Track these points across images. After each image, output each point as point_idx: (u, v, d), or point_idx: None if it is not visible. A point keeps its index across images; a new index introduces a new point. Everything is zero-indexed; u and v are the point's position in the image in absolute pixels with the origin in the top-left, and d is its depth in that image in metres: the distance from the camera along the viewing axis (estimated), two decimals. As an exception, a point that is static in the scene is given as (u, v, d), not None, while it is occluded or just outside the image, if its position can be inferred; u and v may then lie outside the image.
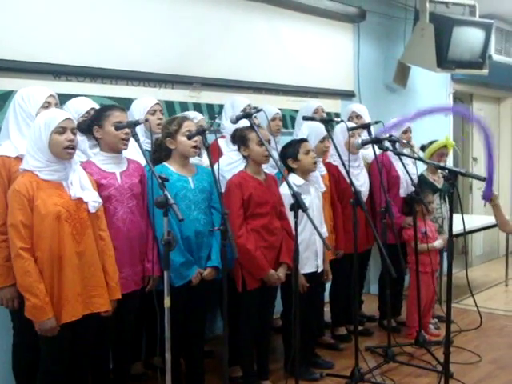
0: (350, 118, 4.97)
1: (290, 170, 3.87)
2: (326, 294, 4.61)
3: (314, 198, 3.88)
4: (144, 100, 3.91)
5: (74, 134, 2.85)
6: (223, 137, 4.23)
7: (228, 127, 4.11)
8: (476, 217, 6.99)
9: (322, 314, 4.57)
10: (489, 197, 3.90)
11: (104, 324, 3.02)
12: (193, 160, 3.60)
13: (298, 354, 3.32)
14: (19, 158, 2.95)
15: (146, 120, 3.39)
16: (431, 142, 5.11)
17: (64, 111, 2.94)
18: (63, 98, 3.50)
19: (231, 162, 3.80)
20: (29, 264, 2.70)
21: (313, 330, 4.16)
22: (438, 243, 4.74)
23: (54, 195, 2.78)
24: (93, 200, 2.89)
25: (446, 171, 3.10)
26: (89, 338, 2.99)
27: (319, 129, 4.13)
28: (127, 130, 3.11)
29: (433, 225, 4.86)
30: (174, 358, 2.92)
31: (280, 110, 4.61)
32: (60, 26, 3.83)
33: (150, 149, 3.47)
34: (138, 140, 2.96)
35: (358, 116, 5.01)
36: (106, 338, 3.20)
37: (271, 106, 4.53)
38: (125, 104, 3.81)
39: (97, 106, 3.51)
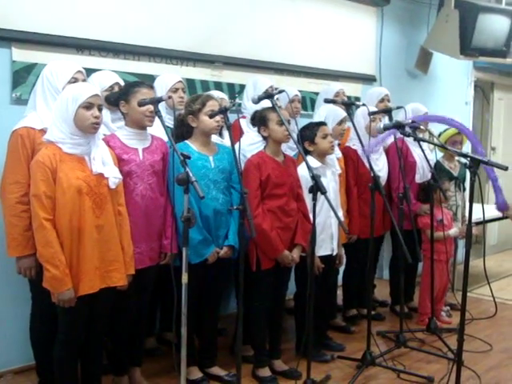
0: (382, 100, 4.90)
1: (307, 152, 3.87)
2: (339, 277, 4.62)
3: (331, 180, 3.88)
4: (166, 77, 3.90)
5: (100, 111, 2.86)
6: (244, 117, 4.23)
7: (249, 107, 4.11)
8: (491, 206, 6.93)
9: (335, 297, 4.59)
10: (504, 207, 3.87)
11: (122, 298, 3.05)
12: (215, 139, 3.61)
13: (311, 336, 3.35)
14: (44, 131, 2.97)
15: (170, 97, 3.38)
16: (446, 130, 5.07)
17: (92, 87, 2.94)
18: (87, 73, 3.50)
19: (253, 143, 3.79)
20: (51, 234, 2.72)
21: (325, 313, 4.18)
22: (453, 231, 4.73)
23: (77, 169, 2.80)
24: (113, 176, 2.91)
25: (468, 159, 3.07)
26: (105, 311, 3.03)
27: (337, 111, 4.13)
28: (151, 106, 3.12)
29: (448, 213, 4.84)
30: (188, 333, 2.94)
31: (300, 92, 4.61)
32: (85, 1, 3.83)
33: (171, 126, 3.48)
34: (160, 116, 2.96)
35: (389, 99, 4.96)
36: (124, 311, 3.23)
37: (291, 87, 4.51)
38: (147, 80, 3.80)
39: (121, 81, 3.52)
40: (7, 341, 3.59)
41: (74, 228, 2.77)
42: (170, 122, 3.51)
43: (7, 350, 3.60)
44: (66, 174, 2.76)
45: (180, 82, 3.87)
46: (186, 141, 3.42)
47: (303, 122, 4.26)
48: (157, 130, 3.36)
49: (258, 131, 3.65)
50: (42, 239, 2.74)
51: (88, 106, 2.80)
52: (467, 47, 5.85)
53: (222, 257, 3.43)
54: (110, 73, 3.58)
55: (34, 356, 3.28)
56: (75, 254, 2.79)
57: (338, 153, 4.21)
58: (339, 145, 4.31)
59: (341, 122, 4.13)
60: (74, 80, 3.13)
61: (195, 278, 3.18)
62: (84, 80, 3.21)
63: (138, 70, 4.11)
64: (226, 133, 3.87)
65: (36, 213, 2.73)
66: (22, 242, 3.00)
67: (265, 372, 3.68)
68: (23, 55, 3.59)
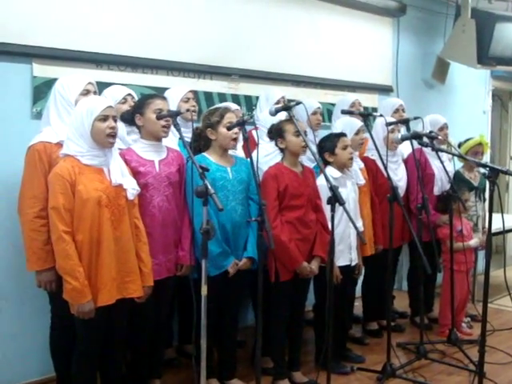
0: (396, 111, 4.89)
1: (327, 163, 3.87)
2: (357, 288, 4.59)
3: (351, 191, 3.88)
4: (176, 89, 3.91)
5: (115, 122, 2.89)
6: (256, 128, 4.23)
7: (263, 119, 4.11)
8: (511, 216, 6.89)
9: (353, 308, 4.57)
10: None
11: (140, 309, 3.07)
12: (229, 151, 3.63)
13: (330, 347, 3.34)
14: (60, 144, 3.00)
15: (188, 110, 3.42)
16: (467, 140, 5.07)
17: (105, 99, 2.98)
18: (104, 87, 3.56)
19: (267, 154, 3.80)
20: (70, 247, 2.74)
21: (345, 324, 4.16)
22: (474, 242, 4.69)
23: (96, 180, 2.83)
24: (132, 187, 2.93)
25: (487, 169, 3.06)
26: (122, 322, 3.04)
27: (353, 122, 4.14)
28: (168, 118, 3.15)
29: (468, 223, 4.81)
30: (207, 346, 2.95)
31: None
32: (103, 16, 3.89)
33: (188, 139, 3.50)
34: (179, 130, 2.99)
35: (404, 110, 4.95)
36: (143, 323, 3.25)
37: (312, 99, 4.52)
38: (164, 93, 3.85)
39: (133, 93, 3.56)
40: (28, 353, 3.61)
41: (94, 240, 2.80)
42: (185, 135, 3.53)
43: (28, 362, 3.62)
44: (86, 185, 2.78)
45: (190, 91, 3.88)
46: (203, 153, 3.44)
47: (321, 133, 4.27)
48: (170, 142, 3.38)
49: (276, 144, 3.66)
50: (61, 252, 2.75)
51: (103, 118, 2.83)
52: (484, 56, 5.82)
53: (241, 268, 3.43)
54: (120, 86, 3.62)
55: (55, 368, 3.29)
56: (93, 265, 2.81)
57: (360, 163, 4.21)
58: (358, 155, 4.30)
59: (358, 132, 4.13)
60: (86, 92, 3.16)
61: (214, 290, 3.18)
62: (95, 91, 3.24)
63: (156, 83, 4.14)
64: (238, 144, 3.89)
65: (55, 225, 2.75)
66: (41, 255, 3.02)
67: (284, 384, 3.67)
68: (43, 70, 3.64)
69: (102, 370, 3.06)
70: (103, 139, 2.84)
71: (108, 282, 2.83)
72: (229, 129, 3.33)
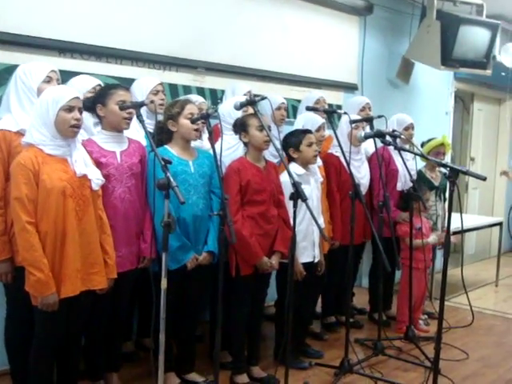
0: (363, 109, 4.93)
1: (291, 159, 3.88)
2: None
3: (314, 188, 3.90)
4: (146, 80, 3.88)
5: (81, 113, 2.85)
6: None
7: (226, 112, 4.03)
8: (470, 216, 7.03)
9: (315, 305, 4.60)
10: None
11: (99, 301, 3.03)
12: (194, 143, 3.60)
13: (289, 343, 3.35)
14: (20, 133, 2.95)
15: (152, 101, 3.38)
16: (429, 140, 5.14)
17: (73, 89, 2.92)
18: (67, 75, 3.50)
19: (229, 147, 3.78)
20: (34, 238, 2.69)
21: (305, 320, 4.18)
22: (432, 239, 4.77)
23: (59, 170, 2.78)
24: (96, 178, 2.90)
25: (448, 169, 3.10)
26: (83, 315, 3.01)
27: (314, 118, 4.17)
28: (130, 109, 3.11)
29: (427, 221, 4.88)
30: (166, 339, 2.93)
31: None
32: (68, 3, 3.82)
33: (152, 130, 3.47)
34: (142, 121, 2.96)
35: (370, 108, 5.00)
36: (100, 315, 3.21)
37: (277, 95, 4.52)
38: (129, 84, 3.79)
39: (102, 84, 3.51)
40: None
41: (58, 230, 2.75)
42: (150, 127, 3.49)
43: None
44: (49, 175, 2.73)
45: (160, 84, 3.85)
46: (165, 146, 3.41)
47: (286, 129, 4.28)
48: (137, 134, 3.35)
49: (240, 137, 3.65)
50: (25, 243, 2.70)
51: (69, 108, 2.78)
52: (448, 58, 5.90)
53: (202, 263, 3.41)
54: (89, 77, 3.57)
55: (9, 360, 3.23)
56: (58, 256, 2.77)
57: (318, 161, 4.23)
58: (319, 152, 4.31)
59: (319, 129, 4.15)
60: (49, 79, 3.11)
61: (174, 284, 3.15)
62: (58, 79, 3.19)
63: (120, 73, 4.09)
64: (204, 135, 3.86)
65: (18, 216, 2.69)
66: None
67: (243, 379, 3.68)
68: (4, 56, 3.56)
69: (59, 363, 3.01)
70: (66, 130, 2.79)
71: (72, 274, 2.79)
72: (193, 122, 3.31)
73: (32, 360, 2.89)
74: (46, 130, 2.78)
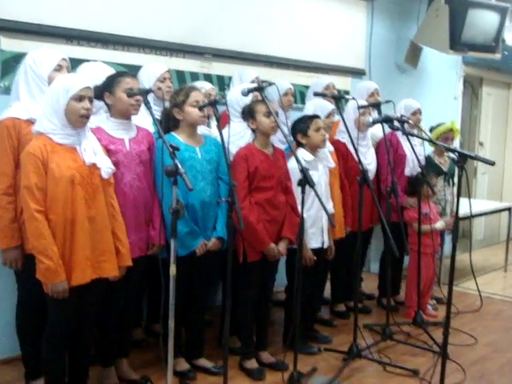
0: (372, 95, 4.91)
1: (300, 144, 3.88)
2: (327, 270, 4.63)
3: (322, 174, 3.89)
4: (154, 66, 3.88)
5: (91, 103, 2.85)
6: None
7: (233, 98, 4.01)
8: (479, 201, 7.01)
9: (323, 290, 4.62)
10: None
11: (112, 289, 3.06)
12: (203, 130, 3.60)
13: (298, 328, 3.37)
14: (30, 121, 2.96)
15: (159, 88, 3.37)
16: (438, 125, 5.12)
17: (84, 79, 2.91)
18: (74, 63, 3.49)
19: (235, 134, 3.76)
20: (43, 226, 2.70)
21: (314, 305, 4.20)
22: (440, 224, 4.76)
23: (68, 159, 2.78)
24: (106, 166, 2.90)
25: (456, 154, 3.10)
26: (95, 302, 3.03)
27: (324, 104, 4.15)
28: (138, 96, 3.11)
29: (435, 207, 4.87)
30: (175, 325, 2.94)
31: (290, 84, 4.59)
32: (74, -11, 3.81)
33: (159, 117, 3.47)
34: (150, 108, 2.96)
35: (379, 93, 4.97)
36: (113, 302, 3.24)
37: (284, 80, 4.51)
38: (136, 71, 3.79)
39: (113, 72, 3.50)
40: (-7, 331, 3.58)
41: (67, 218, 2.76)
42: (157, 114, 3.49)
43: (-7, 340, 3.59)
44: (58, 164, 2.74)
45: (167, 71, 3.84)
46: (172, 132, 3.41)
47: (293, 114, 4.27)
48: (145, 121, 3.35)
49: (247, 124, 3.64)
50: (34, 231, 2.71)
51: (79, 97, 2.78)
52: (457, 42, 5.86)
53: (211, 249, 3.43)
54: (101, 64, 3.54)
55: (20, 347, 3.26)
56: (68, 244, 2.78)
57: (329, 146, 4.22)
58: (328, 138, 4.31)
59: (329, 115, 4.15)
60: (59, 67, 3.11)
61: (183, 270, 3.18)
62: (68, 67, 3.19)
63: (127, 60, 4.09)
64: (213, 123, 3.85)
65: (27, 204, 2.71)
66: (7, 233, 2.99)
67: (252, 364, 3.70)
68: (12, 44, 3.57)
69: (71, 349, 3.03)
70: (76, 119, 2.79)
71: (82, 261, 2.80)
72: (200, 108, 3.31)
73: (44, 346, 2.92)
74: (57, 118, 2.78)
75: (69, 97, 2.76)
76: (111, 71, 3.45)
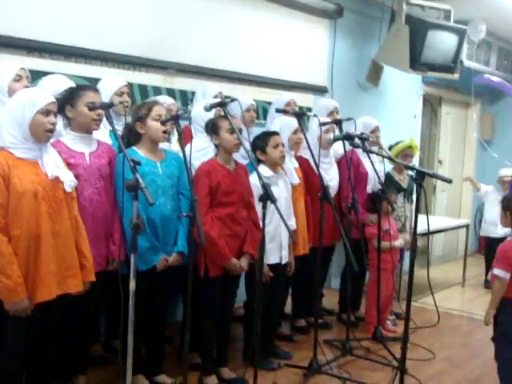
0: (331, 113, 4.95)
1: (259, 161, 3.90)
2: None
3: (283, 190, 3.92)
4: (111, 80, 3.81)
5: (55, 118, 2.82)
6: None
7: (197, 113, 3.99)
8: (438, 218, 7.13)
9: (284, 306, 4.62)
10: None
11: (71, 304, 3.00)
12: (162, 145, 3.59)
13: (258, 344, 3.36)
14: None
15: (121, 102, 3.36)
16: (397, 143, 5.21)
17: (49, 94, 2.88)
18: (36, 75, 3.47)
19: (199, 150, 3.76)
20: (2, 244, 2.65)
21: (273, 321, 4.20)
22: (399, 243, 4.83)
23: (31, 173, 2.74)
24: (69, 179, 2.88)
25: (414, 171, 3.16)
26: (57, 318, 2.98)
27: (291, 121, 4.19)
28: (100, 111, 3.10)
29: (395, 223, 4.94)
30: (135, 341, 2.91)
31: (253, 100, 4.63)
32: (37, 1, 3.78)
33: (120, 132, 3.45)
34: (112, 122, 2.95)
35: (338, 112, 5.02)
36: (71, 318, 3.18)
37: (246, 96, 4.54)
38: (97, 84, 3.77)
39: (74, 85, 3.47)
40: None
41: (32, 234, 2.72)
42: (117, 128, 3.46)
43: None
44: (21, 178, 2.69)
45: (126, 85, 3.80)
46: (132, 147, 3.39)
47: (256, 131, 4.30)
48: (102, 134, 3.33)
49: (210, 138, 3.65)
50: None
51: (46, 112, 2.75)
52: (417, 62, 5.99)
53: (172, 264, 3.41)
54: (63, 77, 3.52)
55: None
56: (32, 260, 2.73)
57: (295, 163, 4.25)
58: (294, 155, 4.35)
59: (296, 131, 4.18)
60: (19, 78, 3.10)
61: (143, 286, 3.15)
62: (28, 77, 3.17)
63: (90, 74, 4.05)
64: (173, 138, 3.85)
65: None
66: None
67: (212, 380, 3.68)
68: (-30, 56, 3.52)
69: (29, 367, 2.96)
70: (41, 133, 2.76)
71: (47, 277, 2.76)
72: (162, 123, 3.31)
73: (2, 365, 2.85)
74: (19, 131, 2.73)
75: (35, 111, 2.73)
76: (72, 84, 3.43)
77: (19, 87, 2.97)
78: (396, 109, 6.99)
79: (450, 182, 3.09)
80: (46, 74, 3.59)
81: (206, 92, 4.44)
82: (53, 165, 2.83)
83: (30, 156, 2.77)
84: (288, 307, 4.80)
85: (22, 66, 3.14)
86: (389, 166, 5.23)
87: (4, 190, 2.67)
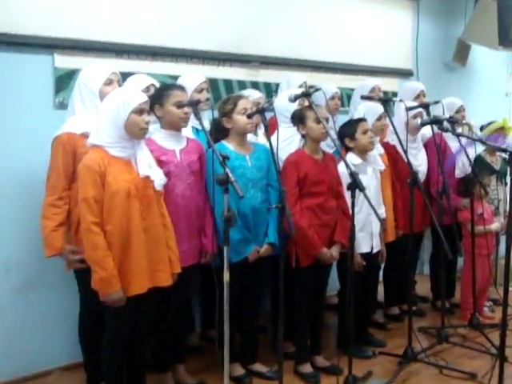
0: (418, 96, 4.84)
1: (348, 149, 3.88)
2: (380, 273, 4.60)
3: (372, 177, 3.88)
4: (191, 77, 3.83)
5: (149, 116, 2.93)
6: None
7: (280, 104, 3.94)
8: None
9: (376, 294, 4.59)
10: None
11: (165, 296, 3.12)
12: (249, 138, 3.64)
13: (352, 332, 3.37)
14: (84, 135, 3.04)
15: (207, 99, 3.43)
16: (489, 123, 5.03)
17: (142, 93, 2.99)
18: (125, 76, 3.59)
19: (284, 140, 3.76)
20: (99, 238, 2.77)
21: (367, 309, 4.18)
22: (495, 226, 4.68)
23: (124, 172, 2.85)
24: (159, 178, 2.96)
25: (507, 153, 3.05)
26: (150, 310, 3.09)
27: (375, 107, 4.12)
28: (187, 109, 3.18)
29: (489, 207, 4.79)
30: (230, 331, 2.98)
31: (337, 88, 4.60)
32: (122, 6, 3.93)
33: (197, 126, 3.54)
34: (199, 118, 3.02)
35: (425, 95, 4.90)
36: (167, 309, 3.30)
37: (330, 84, 4.53)
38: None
39: (156, 83, 3.59)
40: (56, 339, 3.71)
41: (124, 230, 2.83)
42: (196, 124, 3.53)
43: (56, 347, 3.72)
44: (115, 177, 2.80)
45: (205, 81, 3.83)
46: (222, 141, 3.46)
47: (341, 118, 4.28)
48: (184, 130, 3.41)
49: (297, 129, 3.67)
50: (89, 243, 2.79)
51: (140, 111, 2.85)
52: (506, 38, 5.74)
53: (263, 254, 3.47)
54: (143, 75, 3.65)
55: (83, 353, 3.37)
56: (124, 255, 2.84)
57: (380, 149, 4.20)
58: (379, 141, 4.30)
59: (380, 118, 4.13)
60: (109, 81, 3.20)
61: (236, 277, 3.20)
62: (119, 81, 3.27)
63: (176, 71, 4.14)
64: (259, 131, 3.89)
65: (84, 217, 2.78)
66: (49, 242, 3.10)
67: (306, 368, 3.71)
68: (65, 61, 3.70)
69: (129, 357, 3.10)
70: (137, 131, 2.86)
71: (139, 272, 2.87)
72: (249, 116, 3.36)
73: (103, 353, 3.00)
74: (115, 130, 2.83)
75: (130, 110, 2.82)
76: (154, 82, 3.56)
77: (110, 91, 3.10)
78: (486, 88, 6.74)
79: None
80: (135, 74, 3.72)
81: (290, 83, 4.45)
82: (145, 163, 2.92)
83: (125, 155, 2.88)
84: (380, 295, 4.76)
85: (113, 70, 3.24)
86: (481, 147, 5.06)
87: (100, 188, 2.79)
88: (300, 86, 4.31)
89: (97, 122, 2.89)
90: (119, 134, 2.84)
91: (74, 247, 3.11)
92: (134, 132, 2.86)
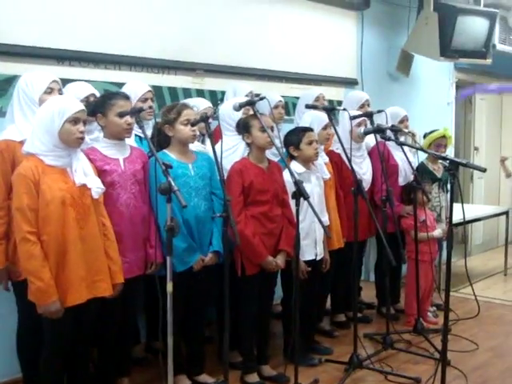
0: (362, 106, 4.89)
1: (292, 157, 3.89)
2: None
3: (315, 186, 3.90)
4: (135, 86, 3.80)
5: (85, 125, 2.87)
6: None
7: (225, 113, 3.93)
8: (476, 206, 7.01)
9: (325, 301, 4.61)
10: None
11: (109, 307, 3.06)
12: (197, 147, 3.61)
13: (298, 340, 3.37)
14: (23, 143, 2.95)
15: (150, 107, 3.39)
16: (431, 132, 5.15)
17: (79, 102, 2.93)
18: (66, 83, 3.51)
19: (228, 149, 3.75)
20: (35, 248, 2.71)
21: (312, 317, 4.19)
22: (437, 232, 4.77)
23: (59, 180, 2.79)
24: (96, 186, 2.91)
25: (447, 161, 3.11)
26: (90, 321, 3.02)
27: (321, 116, 4.15)
28: (130, 119, 3.13)
29: (431, 214, 4.89)
30: (175, 342, 2.95)
31: (283, 97, 4.64)
32: (63, 11, 3.84)
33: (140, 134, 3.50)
34: (142, 126, 2.98)
35: (369, 104, 4.96)
36: (110, 321, 3.24)
37: (274, 93, 4.54)
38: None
39: (96, 92, 3.50)
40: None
41: (60, 239, 2.77)
42: (139, 132, 3.50)
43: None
44: (49, 185, 2.75)
45: (149, 91, 3.80)
46: (164, 150, 3.42)
47: (285, 126, 4.29)
48: (130, 140, 3.36)
49: (242, 137, 3.66)
50: (25, 253, 2.72)
51: (74, 120, 2.79)
52: (447, 49, 5.90)
53: (208, 263, 3.44)
54: (85, 84, 3.56)
55: (21, 368, 3.27)
56: (61, 265, 2.78)
57: (325, 158, 4.23)
58: (324, 149, 4.33)
59: (326, 127, 4.15)
60: (50, 90, 3.12)
61: (181, 286, 3.19)
62: (60, 89, 3.20)
63: (119, 79, 4.09)
64: (207, 139, 3.87)
65: (19, 226, 2.72)
66: None
67: (253, 378, 3.69)
68: (4, 67, 3.59)
69: (69, 370, 3.03)
70: (71, 141, 2.81)
71: (76, 282, 2.81)
72: (192, 125, 3.33)
73: (43, 367, 2.92)
74: (49, 139, 2.78)
75: (64, 119, 2.77)
76: (94, 90, 3.48)
77: (50, 99, 3.02)
78: (428, 97, 6.90)
79: (484, 170, 3.03)
80: (76, 81, 3.63)
81: (236, 91, 4.44)
82: (81, 172, 2.87)
83: (60, 163, 2.82)
84: (327, 302, 4.79)
85: (54, 79, 3.17)
86: (423, 156, 5.16)
87: (35, 196, 2.73)
88: (246, 96, 4.31)
89: (32, 129, 2.84)
90: (53, 143, 2.79)
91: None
92: (69, 141, 2.81)
